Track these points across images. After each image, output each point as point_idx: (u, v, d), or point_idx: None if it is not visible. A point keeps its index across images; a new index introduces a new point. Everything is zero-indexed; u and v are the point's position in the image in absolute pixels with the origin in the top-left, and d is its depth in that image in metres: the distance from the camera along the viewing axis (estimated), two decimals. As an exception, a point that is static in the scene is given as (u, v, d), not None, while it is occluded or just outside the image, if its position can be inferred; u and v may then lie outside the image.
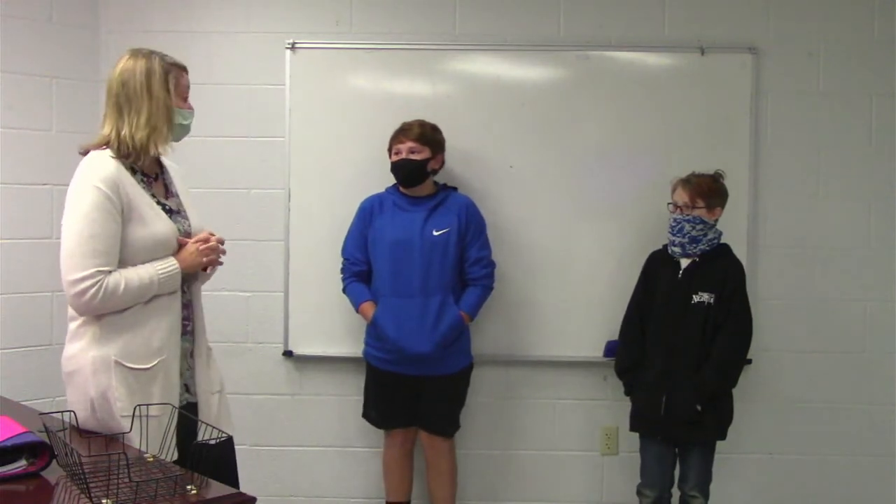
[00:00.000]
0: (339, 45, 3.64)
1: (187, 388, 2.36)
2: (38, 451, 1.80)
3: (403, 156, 3.29)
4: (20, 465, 1.77)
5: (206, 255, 2.32)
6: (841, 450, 3.71)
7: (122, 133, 2.23)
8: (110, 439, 2.07)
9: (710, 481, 3.18)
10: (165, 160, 2.41)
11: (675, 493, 3.24)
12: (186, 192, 2.44)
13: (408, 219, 3.33)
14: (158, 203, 2.29)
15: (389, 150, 3.35)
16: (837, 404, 3.70)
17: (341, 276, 3.44)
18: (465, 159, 3.59)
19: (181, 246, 2.30)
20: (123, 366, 2.18)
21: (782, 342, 3.66)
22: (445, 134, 3.41)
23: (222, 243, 2.37)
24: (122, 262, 2.18)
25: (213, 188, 3.68)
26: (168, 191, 2.39)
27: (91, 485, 1.61)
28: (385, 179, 3.43)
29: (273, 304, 3.69)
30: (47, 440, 1.78)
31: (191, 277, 2.35)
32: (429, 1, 3.66)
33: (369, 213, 3.40)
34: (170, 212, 2.32)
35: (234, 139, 3.68)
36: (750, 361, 3.33)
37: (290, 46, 3.62)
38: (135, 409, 2.03)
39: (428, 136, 3.33)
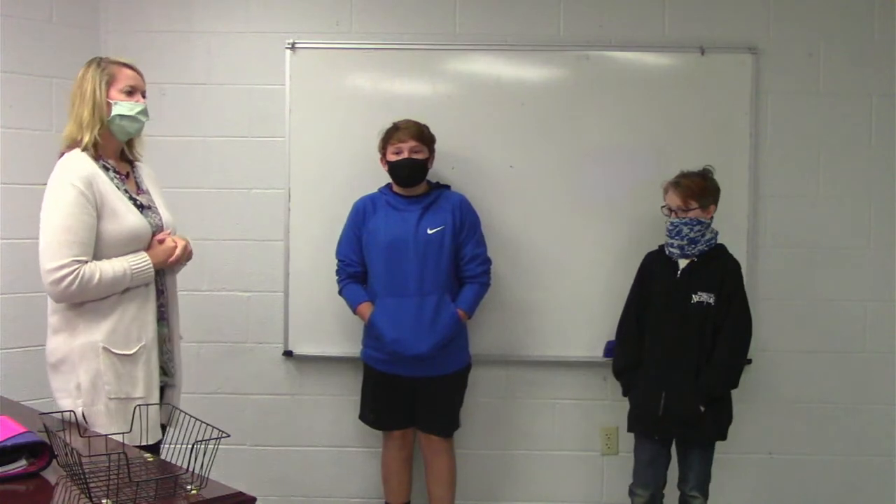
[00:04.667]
0: (339, 45, 3.64)
1: (164, 370, 2.50)
2: (38, 451, 1.80)
3: (406, 155, 3.28)
4: (20, 465, 1.77)
5: (173, 257, 2.45)
6: (841, 450, 3.71)
7: (72, 134, 2.39)
8: (110, 439, 2.07)
9: (709, 481, 3.18)
10: (137, 161, 2.57)
11: (675, 492, 3.23)
12: (158, 191, 2.57)
13: (402, 218, 3.32)
14: (130, 198, 2.41)
15: (384, 149, 3.34)
16: (837, 404, 3.70)
17: (337, 277, 3.43)
18: (464, 159, 3.59)
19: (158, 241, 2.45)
20: (110, 352, 2.32)
21: (782, 342, 3.66)
22: (446, 134, 3.41)
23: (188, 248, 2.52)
24: (98, 256, 2.32)
25: (213, 188, 3.68)
26: (139, 188, 2.51)
27: (91, 485, 1.61)
28: (385, 180, 3.42)
29: (273, 304, 3.69)
30: (47, 440, 1.79)
31: (165, 269, 2.48)
32: (429, 1, 3.66)
33: (362, 213, 3.39)
34: (141, 207, 2.43)
35: (234, 139, 3.68)
36: (750, 361, 3.33)
37: (290, 46, 3.62)
38: (135, 409, 2.10)
39: (426, 135, 3.33)
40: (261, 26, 3.67)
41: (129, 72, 2.45)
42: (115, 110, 2.40)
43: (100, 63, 2.42)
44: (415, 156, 3.29)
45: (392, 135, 3.31)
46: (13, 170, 3.44)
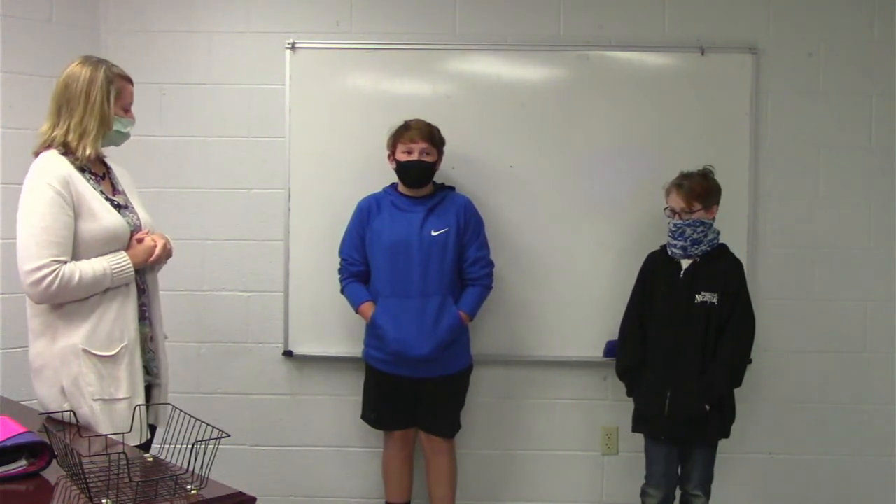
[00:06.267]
0: (339, 45, 3.64)
1: (147, 370, 2.48)
2: (38, 451, 1.80)
3: (416, 156, 3.28)
4: (20, 465, 1.77)
5: (153, 256, 2.44)
6: (841, 450, 3.71)
7: (56, 133, 2.36)
8: (110, 439, 2.08)
9: (711, 480, 3.18)
10: (112, 162, 2.55)
11: (677, 491, 3.23)
12: (135, 192, 2.57)
13: (406, 219, 3.32)
14: (107, 199, 2.40)
15: (393, 147, 3.33)
16: (837, 404, 3.70)
17: (339, 276, 3.43)
18: (465, 159, 3.59)
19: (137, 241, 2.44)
20: (90, 353, 2.31)
21: (782, 342, 3.66)
22: (447, 134, 3.40)
23: (167, 246, 2.50)
24: (77, 257, 2.31)
25: (213, 188, 3.68)
26: (115, 189, 2.51)
27: (91, 485, 1.61)
28: (385, 179, 3.43)
29: (273, 304, 3.69)
30: (47, 440, 1.79)
31: (145, 267, 2.47)
32: (429, 1, 3.66)
33: (367, 213, 3.39)
34: (117, 207, 2.42)
35: (234, 139, 3.68)
36: (750, 361, 3.33)
37: (290, 46, 3.62)
38: (134, 409, 2.09)
39: (436, 137, 3.33)
40: (261, 26, 3.67)
41: (131, 88, 2.47)
42: (116, 126, 2.41)
43: (106, 72, 2.39)
44: (425, 158, 3.28)
45: (403, 134, 3.30)
46: (13, 170, 3.42)
